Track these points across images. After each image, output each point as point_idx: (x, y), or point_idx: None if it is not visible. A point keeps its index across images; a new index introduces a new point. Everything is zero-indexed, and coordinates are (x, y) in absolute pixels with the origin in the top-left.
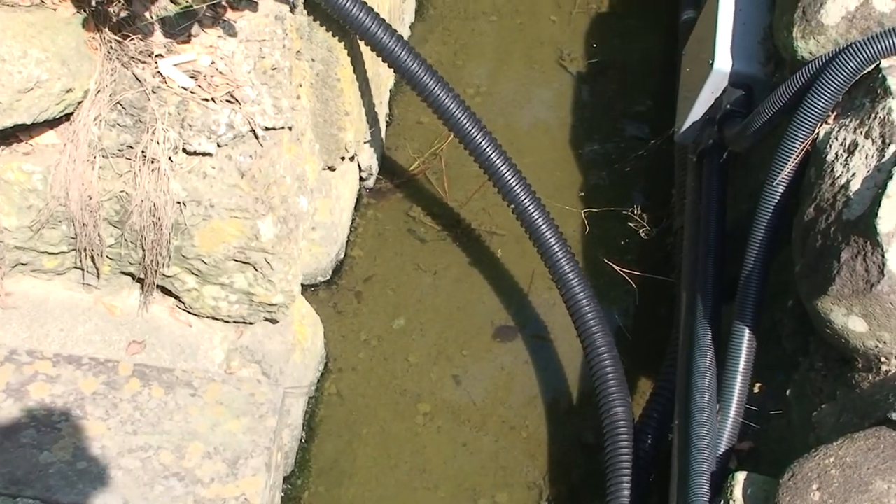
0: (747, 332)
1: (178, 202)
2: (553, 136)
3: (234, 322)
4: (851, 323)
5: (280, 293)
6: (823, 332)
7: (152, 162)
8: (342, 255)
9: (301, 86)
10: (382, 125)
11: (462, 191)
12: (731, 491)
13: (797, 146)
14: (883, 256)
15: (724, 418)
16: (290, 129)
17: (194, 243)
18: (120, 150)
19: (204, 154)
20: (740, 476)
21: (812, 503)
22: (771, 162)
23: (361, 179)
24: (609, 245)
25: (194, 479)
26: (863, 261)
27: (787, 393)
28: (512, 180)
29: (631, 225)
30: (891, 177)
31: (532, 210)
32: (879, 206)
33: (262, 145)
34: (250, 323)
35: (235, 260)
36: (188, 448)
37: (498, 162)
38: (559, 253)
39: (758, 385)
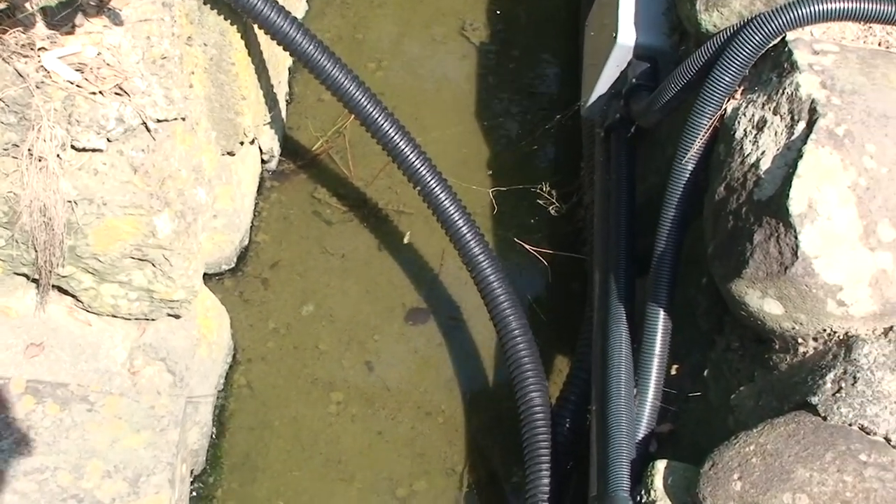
0: (662, 313)
1: (69, 201)
2: (458, 110)
3: (136, 319)
4: (767, 305)
5: (181, 289)
6: (738, 315)
7: (40, 160)
8: (246, 242)
9: (194, 73)
10: (282, 105)
11: (367, 169)
12: (652, 480)
13: (704, 122)
14: (796, 238)
15: (641, 402)
16: (183, 119)
17: (88, 242)
18: (5, 150)
19: (94, 150)
20: (660, 465)
21: (734, 493)
22: (679, 138)
23: (263, 162)
24: (519, 223)
25: (94, 500)
26: (776, 243)
27: (705, 373)
28: (416, 162)
29: (540, 202)
30: (801, 156)
31: (438, 192)
32: (791, 186)
33: (154, 138)
34: (153, 319)
35: (132, 258)
36: (87, 467)
37: (401, 143)
38: (468, 235)
39: (674, 366)
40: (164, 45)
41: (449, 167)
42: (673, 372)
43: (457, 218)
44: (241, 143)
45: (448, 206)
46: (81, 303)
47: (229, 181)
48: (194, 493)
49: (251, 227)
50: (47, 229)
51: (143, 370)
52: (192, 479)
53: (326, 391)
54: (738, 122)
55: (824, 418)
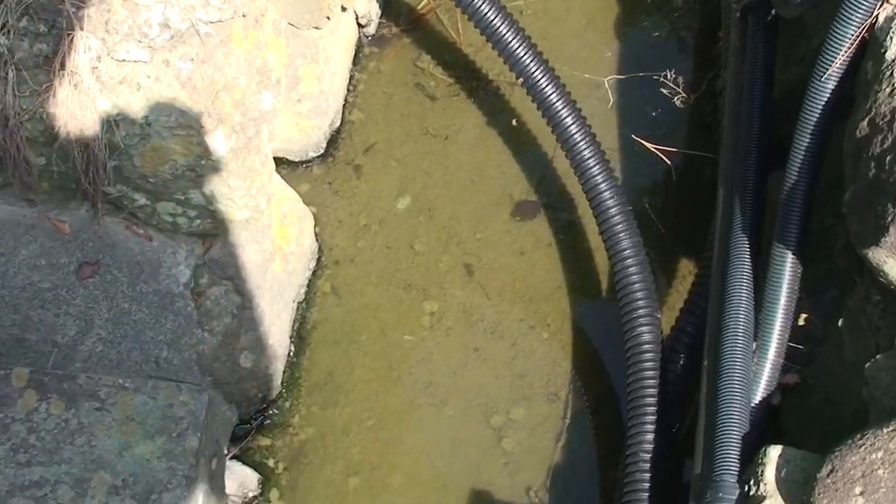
0: (790, 256)
1: (110, 121)
2: None
3: (201, 235)
4: None
5: (244, 209)
6: (877, 278)
7: (73, 75)
8: (338, 123)
9: None
10: None
11: (478, 32)
12: (762, 471)
13: (850, 32)
14: None
15: (761, 360)
16: (243, 16)
17: (135, 164)
18: (36, 63)
19: (135, 62)
20: (773, 452)
21: None
22: (820, 48)
23: (360, 27)
24: (638, 117)
25: None
26: None
27: (840, 323)
28: (519, 50)
29: (664, 92)
30: None
31: (539, 79)
32: None
33: (205, 45)
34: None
35: (187, 178)
36: (91, 481)
37: (497, 22)
38: (577, 136)
39: (803, 316)
40: None
41: (557, 51)
42: (801, 322)
43: (565, 116)
44: (328, 18)
45: (555, 101)
46: (138, 219)
47: (315, 59)
48: (267, 422)
49: (345, 103)
50: (87, 151)
51: (209, 291)
52: (264, 406)
53: (420, 300)
54: (891, 38)
55: None
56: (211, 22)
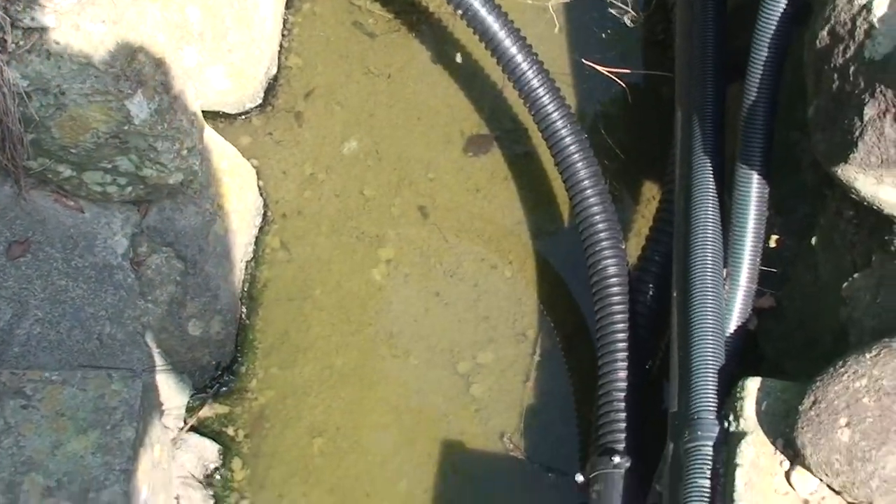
0: (755, 177)
1: (20, 93)
2: None
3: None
4: (884, 193)
5: (176, 172)
6: (848, 194)
7: None
8: (275, 70)
9: None
10: None
11: None
12: (741, 406)
13: None
14: None
15: (733, 288)
16: None
17: (54, 135)
18: None
19: (43, 28)
20: (751, 385)
21: (840, 445)
22: None
23: None
24: (587, 41)
25: None
26: (893, 122)
27: (813, 241)
28: None
29: (612, 12)
30: None
31: (484, 14)
32: None
33: (116, 5)
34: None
35: (111, 145)
36: (23, 485)
37: None
38: (523, 65)
39: (774, 237)
40: None
41: None
42: (772, 244)
43: (507, 43)
44: None
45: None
46: (66, 191)
47: (243, 6)
48: (223, 389)
49: (280, 49)
50: (1, 126)
51: (149, 259)
52: (219, 372)
53: (374, 247)
54: None
55: None
56: None
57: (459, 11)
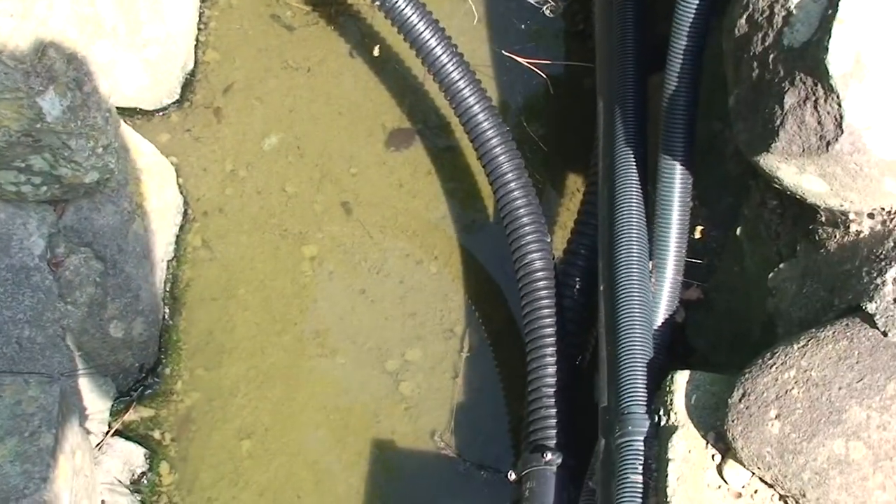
0: (678, 168)
1: None
2: None
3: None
4: (806, 182)
5: (92, 170)
6: (772, 184)
7: None
8: (191, 65)
9: None
10: None
11: None
12: (671, 399)
13: None
14: (839, 106)
15: (660, 280)
16: None
17: None
18: None
19: None
20: (680, 379)
21: (771, 437)
22: None
23: None
24: (506, 32)
25: None
26: (813, 110)
27: (738, 231)
28: None
29: (531, 2)
30: None
31: (402, 6)
32: (830, 35)
33: None
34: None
35: (23, 144)
36: None
37: None
38: (443, 58)
39: (699, 228)
40: None
41: None
42: (697, 235)
43: (426, 35)
44: None
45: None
46: None
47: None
48: (148, 391)
49: (196, 44)
50: None
51: (67, 260)
52: (143, 375)
53: (298, 244)
54: None
55: (884, 333)
56: None
57: (377, 3)
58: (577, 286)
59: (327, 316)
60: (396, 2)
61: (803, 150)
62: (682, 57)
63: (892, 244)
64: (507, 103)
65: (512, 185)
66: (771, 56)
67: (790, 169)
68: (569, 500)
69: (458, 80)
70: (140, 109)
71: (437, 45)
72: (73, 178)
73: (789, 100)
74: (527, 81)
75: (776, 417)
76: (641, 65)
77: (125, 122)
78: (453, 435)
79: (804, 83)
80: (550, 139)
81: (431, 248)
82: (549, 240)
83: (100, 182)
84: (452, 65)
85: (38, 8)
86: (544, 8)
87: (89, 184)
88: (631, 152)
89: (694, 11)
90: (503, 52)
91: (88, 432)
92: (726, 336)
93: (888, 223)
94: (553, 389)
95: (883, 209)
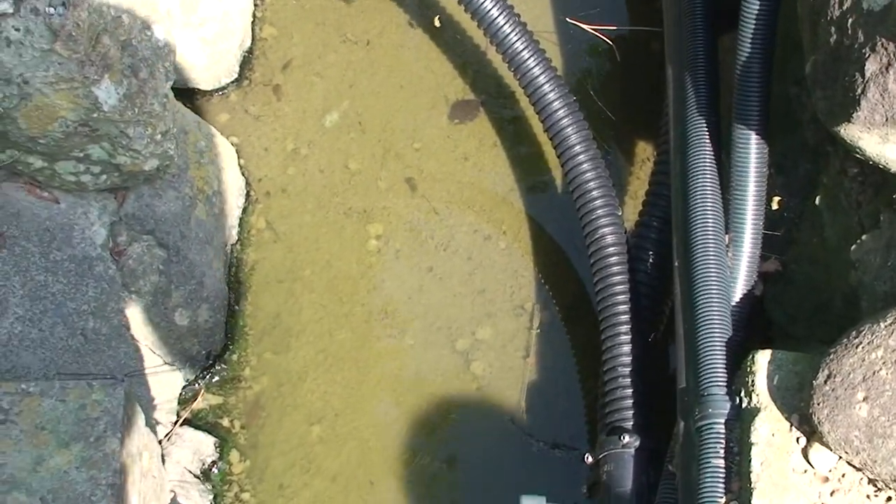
0: (754, 137)
1: None
2: None
3: (112, 190)
4: (890, 151)
5: (151, 158)
6: (853, 154)
7: None
8: (249, 42)
9: None
10: None
11: None
12: (752, 380)
13: None
14: None
15: (737, 255)
16: None
17: (20, 126)
18: None
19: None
20: (761, 359)
21: (859, 421)
22: None
23: None
24: None
25: None
26: None
27: (817, 201)
28: None
29: None
30: None
31: None
32: None
33: None
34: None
35: (80, 134)
36: None
37: None
38: (505, 27)
39: (776, 199)
40: None
41: None
42: (774, 206)
43: (487, 4)
44: None
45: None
46: (38, 182)
47: None
48: (216, 378)
49: (253, 21)
50: None
51: (129, 249)
52: (210, 362)
53: (363, 223)
54: None
55: None
56: None
57: None
58: (651, 260)
59: (395, 295)
60: None
61: (886, 120)
62: (755, 20)
63: None
64: (572, 72)
65: (581, 157)
66: (850, 20)
67: (872, 139)
68: (648, 484)
69: (521, 50)
70: (198, 90)
71: (499, 13)
72: (132, 166)
73: (871, 67)
74: (592, 48)
75: (864, 400)
76: (712, 26)
77: (183, 104)
78: (526, 414)
79: (885, 49)
80: (618, 107)
81: (499, 222)
82: (619, 213)
83: (160, 169)
84: (515, 34)
85: None
86: None
87: (149, 171)
88: (703, 120)
89: None
90: (567, 19)
91: (157, 423)
92: (806, 308)
93: None
94: (629, 369)
95: None
